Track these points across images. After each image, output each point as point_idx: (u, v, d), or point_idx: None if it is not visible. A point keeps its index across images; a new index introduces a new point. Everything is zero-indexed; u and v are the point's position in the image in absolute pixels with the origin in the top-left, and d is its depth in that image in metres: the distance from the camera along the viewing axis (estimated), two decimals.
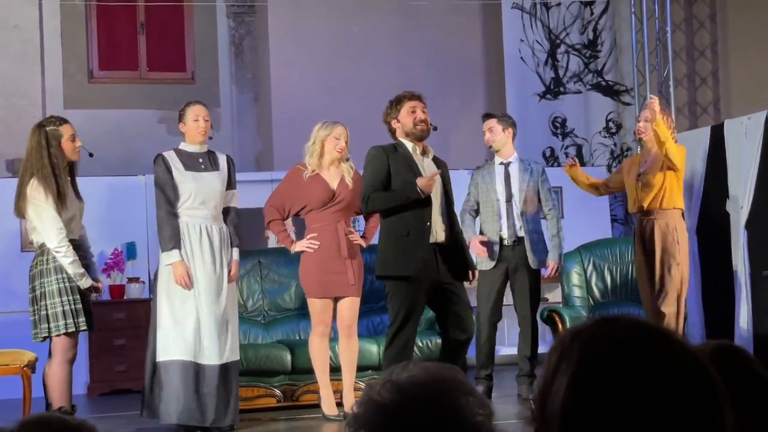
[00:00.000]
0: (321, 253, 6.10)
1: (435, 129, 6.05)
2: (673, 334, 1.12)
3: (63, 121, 5.82)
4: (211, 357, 5.83)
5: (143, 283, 8.20)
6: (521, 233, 6.73)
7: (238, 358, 6.01)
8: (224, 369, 5.88)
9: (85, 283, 5.65)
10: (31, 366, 5.80)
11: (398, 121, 5.97)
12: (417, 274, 5.66)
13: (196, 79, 9.99)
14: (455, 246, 5.87)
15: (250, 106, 10.06)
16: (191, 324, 5.82)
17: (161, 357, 5.85)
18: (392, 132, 6.04)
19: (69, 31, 9.59)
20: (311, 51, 9.78)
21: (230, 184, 6.15)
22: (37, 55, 9.49)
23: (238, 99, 10.03)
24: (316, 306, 6.14)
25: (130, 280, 8.21)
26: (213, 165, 6.08)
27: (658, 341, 1.09)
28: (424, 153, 5.98)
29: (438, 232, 5.80)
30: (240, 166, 9.79)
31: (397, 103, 6.02)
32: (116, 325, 7.94)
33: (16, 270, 7.83)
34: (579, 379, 1.09)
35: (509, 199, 6.79)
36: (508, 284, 6.83)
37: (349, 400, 6.16)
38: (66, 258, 5.60)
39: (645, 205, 6.47)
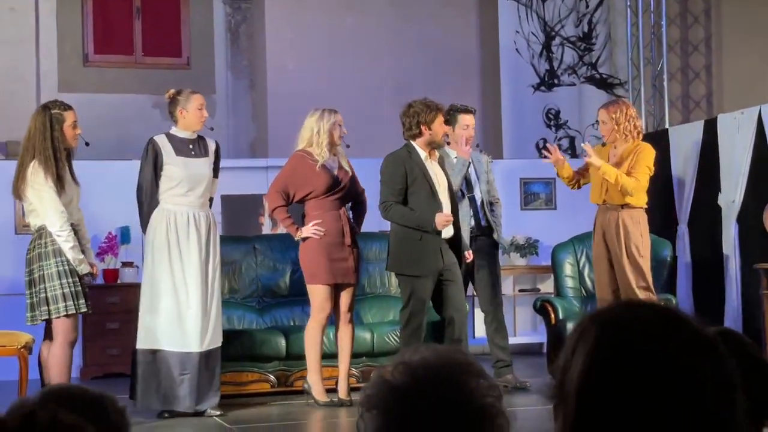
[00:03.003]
0: (326, 239, 6.17)
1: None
2: (689, 318, 1.15)
3: (68, 107, 5.82)
4: (193, 344, 5.87)
5: (137, 267, 8.21)
6: (484, 223, 6.81)
7: (220, 344, 6.03)
8: (206, 356, 5.91)
9: (84, 268, 5.67)
10: (28, 348, 5.81)
11: (430, 130, 6.20)
12: (426, 272, 6.14)
13: (192, 65, 9.99)
14: (456, 238, 6.32)
15: (245, 92, 10.07)
16: (173, 312, 5.86)
17: (141, 345, 5.90)
18: (414, 134, 6.17)
19: (64, 15, 9.58)
20: (307, 39, 9.80)
21: (215, 172, 6.17)
22: (32, 38, 9.48)
23: (234, 85, 10.03)
24: (321, 293, 6.18)
25: (124, 264, 8.23)
26: (203, 151, 6.09)
27: (674, 324, 1.13)
28: (431, 156, 6.30)
29: (446, 231, 6.21)
30: (235, 152, 9.81)
31: (436, 110, 6.25)
32: (109, 309, 7.96)
33: (10, 253, 7.84)
34: (595, 358, 1.13)
35: (471, 191, 6.86)
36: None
37: (344, 387, 6.24)
38: (67, 243, 5.61)
39: (611, 201, 6.35)
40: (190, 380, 5.89)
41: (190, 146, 6.05)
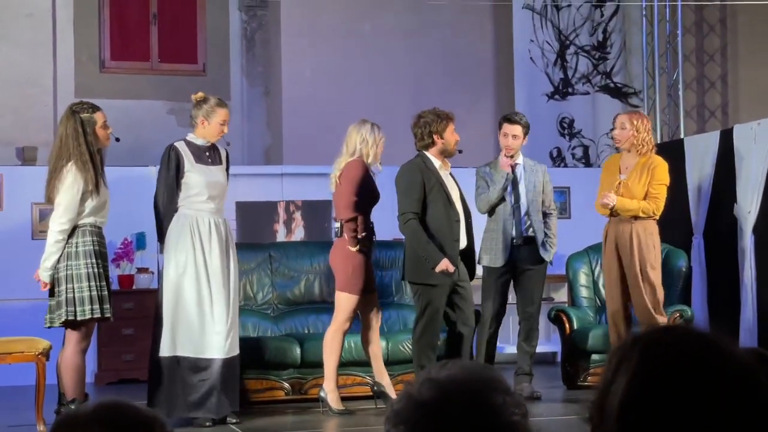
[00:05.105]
0: (366, 251, 6.27)
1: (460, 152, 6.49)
2: (729, 343, 1.17)
3: (95, 108, 5.76)
4: (215, 351, 5.86)
5: (152, 273, 8.25)
6: (530, 233, 6.83)
7: (238, 352, 6.04)
8: (227, 363, 5.91)
9: (45, 277, 5.60)
10: (46, 354, 5.81)
11: (442, 138, 6.20)
12: (443, 281, 6.15)
13: (207, 72, 10.03)
14: (469, 248, 6.35)
15: (260, 99, 10.10)
16: (197, 318, 5.85)
17: (164, 352, 5.88)
18: (426, 144, 6.16)
19: (81, 21, 9.63)
20: (323, 47, 9.82)
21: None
22: (49, 44, 9.53)
23: (249, 92, 10.07)
24: (354, 302, 6.25)
25: (140, 270, 8.26)
26: (218, 159, 6.12)
27: (715, 350, 1.14)
28: (444, 166, 6.34)
29: (461, 241, 6.27)
30: (249, 159, 9.84)
31: (447, 119, 6.24)
32: (125, 314, 7.97)
33: (26, 257, 7.87)
34: (637, 381, 1.14)
35: (517, 200, 6.87)
36: (512, 283, 6.95)
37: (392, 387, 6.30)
38: (53, 245, 5.57)
39: (623, 213, 6.41)
40: (211, 387, 5.88)
41: (207, 153, 6.07)
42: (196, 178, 5.96)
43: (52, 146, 5.79)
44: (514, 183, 6.89)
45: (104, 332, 7.92)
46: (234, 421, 5.98)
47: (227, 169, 6.19)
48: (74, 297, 5.56)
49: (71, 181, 5.54)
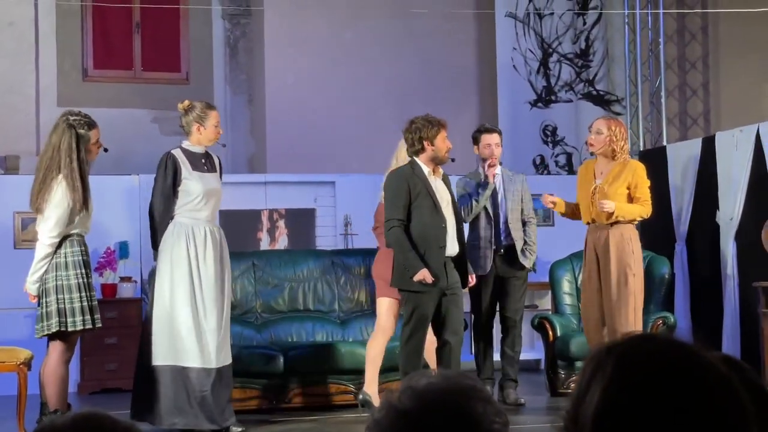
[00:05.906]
0: None
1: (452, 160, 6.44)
2: (704, 352, 1.17)
3: (92, 125, 5.70)
4: (212, 360, 5.83)
5: (135, 282, 8.22)
6: (510, 241, 6.89)
7: (230, 361, 6.02)
8: (222, 372, 5.89)
9: (32, 289, 5.59)
10: (27, 363, 5.77)
11: (432, 145, 6.16)
12: (429, 288, 6.07)
13: (191, 80, 10.02)
14: (461, 256, 6.28)
15: (243, 107, 10.10)
16: (192, 327, 5.81)
17: (161, 361, 5.82)
18: (416, 150, 6.15)
19: (64, 30, 9.60)
20: (306, 55, 9.83)
21: None
22: (31, 52, 9.50)
23: (232, 100, 10.06)
24: None
25: (123, 279, 8.23)
26: (212, 166, 6.09)
27: (690, 359, 1.15)
28: (435, 173, 6.28)
29: (450, 248, 6.19)
30: (233, 167, 9.83)
31: (438, 126, 6.19)
32: (108, 324, 7.88)
33: (9, 267, 7.84)
34: (612, 390, 1.14)
35: (496, 209, 6.93)
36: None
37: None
38: (43, 259, 5.54)
39: (600, 220, 6.35)
40: (209, 397, 5.82)
41: (203, 161, 6.04)
42: (194, 185, 5.91)
43: (42, 154, 5.71)
44: (493, 192, 6.95)
45: (87, 341, 7.89)
46: (240, 429, 5.91)
47: (221, 176, 6.18)
48: (65, 308, 5.52)
49: (61, 196, 5.51)
